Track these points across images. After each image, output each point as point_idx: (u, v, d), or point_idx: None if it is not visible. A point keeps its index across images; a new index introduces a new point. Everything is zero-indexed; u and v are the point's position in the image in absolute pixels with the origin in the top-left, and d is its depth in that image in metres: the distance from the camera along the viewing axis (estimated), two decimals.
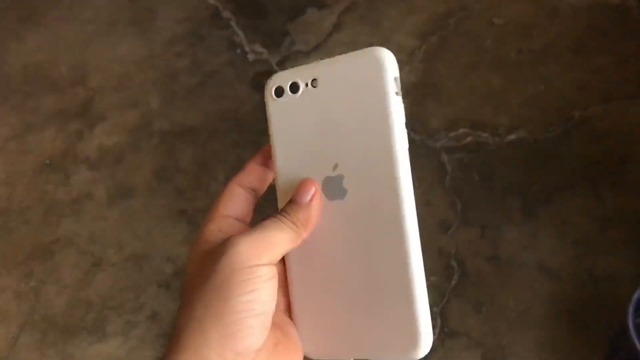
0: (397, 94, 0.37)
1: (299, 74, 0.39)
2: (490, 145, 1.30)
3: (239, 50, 1.49)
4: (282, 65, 1.45)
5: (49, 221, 1.28)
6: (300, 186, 0.38)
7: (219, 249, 0.36)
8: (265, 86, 0.40)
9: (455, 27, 1.48)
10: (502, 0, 1.50)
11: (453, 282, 1.15)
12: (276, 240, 0.36)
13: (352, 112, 0.37)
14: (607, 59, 1.40)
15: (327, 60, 0.39)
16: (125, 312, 1.17)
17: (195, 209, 1.27)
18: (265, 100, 0.40)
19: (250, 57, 1.48)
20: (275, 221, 0.37)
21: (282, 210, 0.38)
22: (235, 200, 0.41)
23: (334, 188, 0.38)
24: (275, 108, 0.40)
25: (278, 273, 0.37)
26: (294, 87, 0.39)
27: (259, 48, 1.49)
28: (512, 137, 1.31)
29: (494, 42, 1.45)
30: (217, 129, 1.37)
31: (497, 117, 1.34)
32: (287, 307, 0.40)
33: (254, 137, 1.35)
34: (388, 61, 0.37)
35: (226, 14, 1.55)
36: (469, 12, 1.50)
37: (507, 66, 1.41)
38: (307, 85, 0.39)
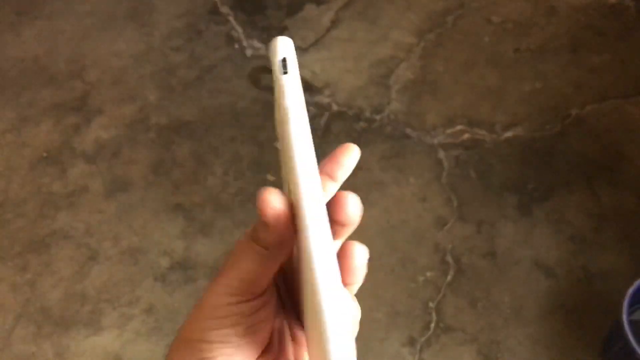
0: (285, 73, 0.35)
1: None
2: (487, 142, 1.31)
3: (237, 46, 1.49)
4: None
5: (45, 214, 1.28)
6: (260, 200, 0.33)
7: None
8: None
9: (453, 24, 1.49)
10: None
11: (449, 277, 1.15)
12: (241, 269, 0.33)
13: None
14: (604, 58, 1.41)
15: None
16: (120, 305, 1.17)
17: (192, 203, 1.27)
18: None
19: (248, 52, 1.48)
20: (241, 247, 0.33)
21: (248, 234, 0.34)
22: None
23: None
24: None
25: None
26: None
27: (256, 43, 1.49)
28: (508, 134, 1.31)
29: (491, 40, 1.46)
30: (214, 124, 1.37)
31: (494, 114, 1.34)
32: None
33: (251, 132, 1.35)
34: (278, 45, 0.36)
35: (224, 9, 1.55)
36: (467, 10, 1.51)
37: (505, 64, 1.42)
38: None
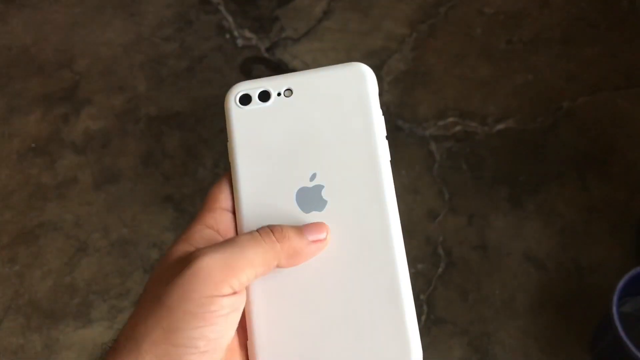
0: (380, 108, 0.37)
1: (269, 83, 0.38)
2: (479, 134, 1.30)
3: (227, 36, 1.48)
4: (272, 51, 1.44)
5: (33, 205, 1.27)
6: (312, 223, 0.35)
7: (183, 263, 0.32)
8: (228, 93, 0.38)
9: (445, 15, 1.48)
10: None
11: (439, 270, 1.15)
12: (250, 263, 0.32)
13: (333, 122, 0.37)
14: (596, 50, 1.40)
15: (302, 72, 0.38)
16: (110, 298, 1.16)
17: (182, 194, 1.26)
18: (227, 109, 0.38)
19: (239, 42, 1.46)
20: (255, 238, 0.33)
21: (269, 226, 0.34)
22: (230, 194, 0.38)
23: (310, 199, 0.36)
24: (240, 116, 0.37)
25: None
26: (264, 96, 0.38)
27: (248, 33, 1.48)
28: (500, 126, 1.31)
29: (483, 31, 1.45)
30: (205, 115, 1.36)
31: (485, 106, 1.34)
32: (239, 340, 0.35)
33: None
34: (372, 77, 0.38)
35: None
36: (459, 1, 1.50)
37: (497, 56, 1.41)
38: (279, 94, 0.38)
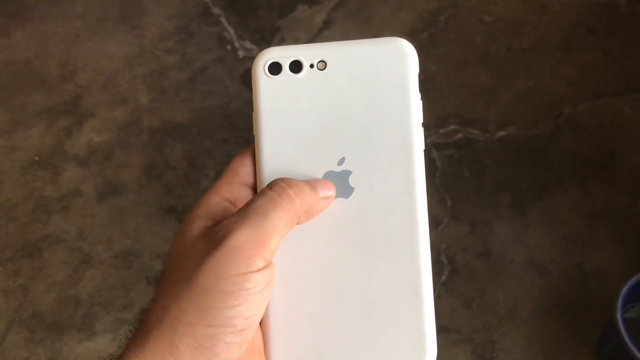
0: (419, 91, 0.35)
1: (303, 52, 0.35)
2: (481, 141, 1.31)
3: (229, 47, 1.48)
4: None
5: (37, 218, 1.27)
6: (320, 179, 0.34)
7: (210, 240, 0.31)
8: (256, 59, 0.35)
9: (445, 24, 1.49)
10: None
11: (443, 277, 1.15)
12: (276, 228, 0.31)
13: (367, 103, 0.34)
14: (596, 56, 1.41)
15: (337, 42, 0.35)
16: (114, 310, 1.16)
17: (185, 205, 1.27)
18: (254, 76, 0.35)
19: (241, 53, 1.47)
20: (273, 199, 0.31)
21: (283, 180, 0.32)
22: (251, 168, 0.36)
23: (337, 184, 0.34)
24: (268, 86, 0.35)
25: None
26: (296, 66, 0.35)
27: (249, 44, 1.48)
28: (502, 133, 1.31)
29: (484, 39, 1.46)
30: (207, 126, 1.37)
31: (487, 113, 1.34)
32: None
33: (244, 134, 1.34)
34: (413, 55, 0.35)
35: (216, 10, 1.54)
36: (459, 9, 1.51)
37: (497, 63, 1.42)
38: (312, 66, 0.35)
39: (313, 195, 0.33)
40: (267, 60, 0.35)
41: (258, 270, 0.30)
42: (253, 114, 0.35)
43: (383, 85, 0.34)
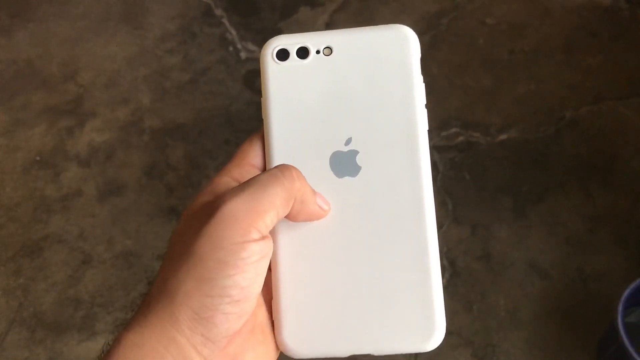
0: (421, 74, 0.36)
1: (309, 38, 0.36)
2: (482, 144, 1.31)
3: (231, 48, 1.48)
4: None
5: (38, 218, 1.27)
6: (321, 195, 0.35)
7: (208, 210, 0.31)
8: (265, 47, 0.37)
9: (447, 26, 1.49)
10: (494, 1, 1.51)
11: (444, 280, 1.15)
12: (273, 203, 0.31)
13: (372, 86, 0.35)
14: (598, 60, 1.41)
15: (342, 30, 0.37)
16: (114, 310, 1.16)
17: (186, 206, 1.26)
18: (262, 63, 0.37)
19: (243, 54, 1.47)
20: (275, 175, 0.32)
21: (288, 164, 0.33)
22: (260, 151, 0.36)
23: (344, 164, 0.35)
24: (276, 72, 0.36)
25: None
26: (303, 52, 0.36)
27: (251, 46, 1.48)
28: (503, 136, 1.31)
29: (485, 42, 1.46)
30: (209, 127, 1.37)
31: (488, 116, 1.34)
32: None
33: (245, 135, 1.34)
34: (415, 40, 0.36)
35: (219, 11, 1.54)
36: (461, 12, 1.51)
37: (499, 66, 1.42)
38: (318, 52, 0.36)
39: (311, 192, 0.34)
40: (275, 47, 0.36)
41: (254, 241, 0.30)
42: (262, 98, 0.36)
43: (387, 68, 0.36)
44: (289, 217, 0.34)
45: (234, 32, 1.51)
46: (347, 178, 0.35)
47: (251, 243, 0.30)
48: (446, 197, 1.24)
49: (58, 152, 1.35)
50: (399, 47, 0.36)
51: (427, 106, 0.36)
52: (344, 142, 0.35)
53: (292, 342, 0.34)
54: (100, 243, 1.23)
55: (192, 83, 1.43)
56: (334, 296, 0.34)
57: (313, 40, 0.36)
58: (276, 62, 0.36)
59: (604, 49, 1.42)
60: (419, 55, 0.36)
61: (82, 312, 1.16)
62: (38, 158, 1.35)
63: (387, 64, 0.36)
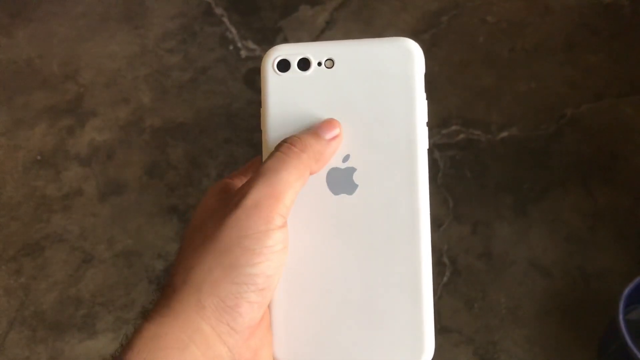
0: (424, 91, 0.35)
1: (311, 50, 0.36)
2: (483, 142, 1.30)
3: (231, 47, 1.48)
4: None
5: (39, 217, 1.27)
6: (323, 122, 0.35)
7: (228, 204, 0.32)
8: (266, 56, 0.36)
9: (448, 24, 1.48)
10: None
11: (445, 278, 1.15)
12: (288, 183, 0.32)
13: (373, 102, 0.35)
14: (599, 57, 1.40)
15: (344, 41, 0.36)
16: (115, 309, 1.16)
17: (187, 205, 1.27)
18: (263, 73, 0.36)
19: (243, 53, 1.47)
20: (280, 158, 0.33)
21: (287, 140, 0.34)
22: None
23: (341, 181, 0.35)
24: (276, 83, 0.36)
25: None
26: (304, 64, 0.36)
27: (251, 45, 1.48)
28: (504, 134, 1.31)
29: (486, 39, 1.46)
30: (209, 126, 1.37)
31: (489, 114, 1.34)
32: None
33: (246, 134, 1.34)
34: (420, 55, 0.36)
35: (219, 10, 1.54)
36: (462, 10, 1.50)
37: (500, 64, 1.41)
38: (320, 64, 0.35)
39: (319, 142, 0.34)
40: (276, 58, 0.36)
41: (277, 228, 0.31)
42: (261, 109, 0.36)
43: (389, 84, 0.35)
44: (312, 174, 0.34)
45: (234, 30, 1.51)
46: (343, 195, 0.35)
47: (275, 231, 0.31)
48: (447, 195, 1.24)
49: (59, 152, 1.35)
50: (402, 62, 0.35)
51: (428, 106, 0.36)
52: (342, 158, 0.35)
53: (284, 357, 0.35)
54: (101, 242, 1.23)
55: (193, 82, 1.43)
56: (326, 312, 0.34)
57: (315, 51, 0.36)
58: (277, 74, 0.36)
59: (604, 47, 1.42)
60: (423, 70, 0.35)
61: (83, 311, 1.16)
62: (39, 157, 1.35)
63: (389, 80, 0.35)
